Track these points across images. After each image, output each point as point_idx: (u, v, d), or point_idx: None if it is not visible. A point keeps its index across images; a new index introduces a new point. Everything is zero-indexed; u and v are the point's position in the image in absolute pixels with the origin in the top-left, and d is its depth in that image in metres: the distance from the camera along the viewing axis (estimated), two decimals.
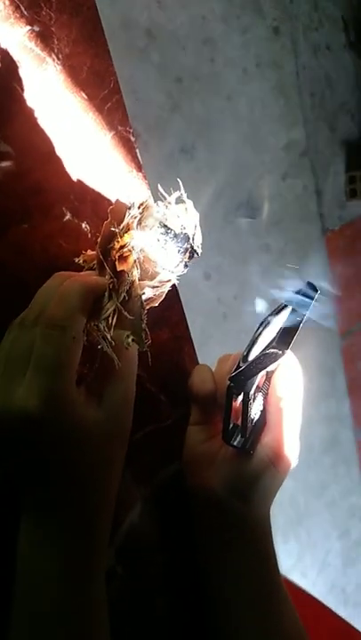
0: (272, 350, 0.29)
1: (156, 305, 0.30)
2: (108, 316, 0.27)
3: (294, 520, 1.48)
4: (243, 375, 0.31)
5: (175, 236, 0.29)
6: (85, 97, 0.34)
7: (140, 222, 0.28)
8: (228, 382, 0.33)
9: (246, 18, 1.22)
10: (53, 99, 0.33)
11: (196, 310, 1.19)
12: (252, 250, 1.28)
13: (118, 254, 0.27)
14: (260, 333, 0.35)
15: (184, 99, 1.10)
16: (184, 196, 0.30)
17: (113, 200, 0.35)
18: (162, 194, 0.31)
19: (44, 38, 0.33)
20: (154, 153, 1.07)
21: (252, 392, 0.32)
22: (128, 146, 0.36)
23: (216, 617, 0.36)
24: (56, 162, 0.33)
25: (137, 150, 0.37)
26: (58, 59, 0.33)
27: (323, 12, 1.41)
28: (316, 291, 0.31)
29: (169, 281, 0.29)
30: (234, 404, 0.34)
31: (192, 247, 0.30)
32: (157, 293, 0.29)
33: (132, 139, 0.36)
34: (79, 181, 0.34)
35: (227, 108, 1.19)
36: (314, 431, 1.48)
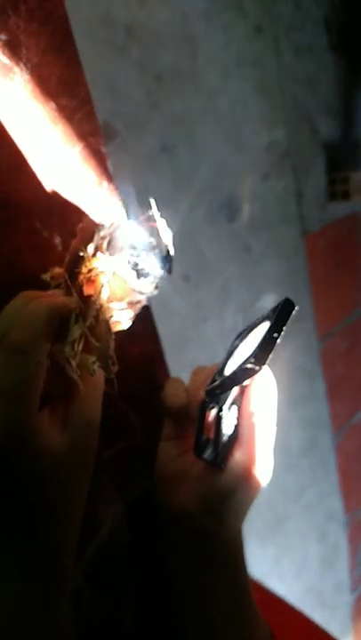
0: (249, 366, 0.29)
1: (125, 328, 0.29)
2: (74, 340, 0.26)
3: (273, 523, 1.49)
4: (218, 389, 0.31)
5: (146, 257, 0.28)
6: (55, 107, 0.33)
7: (109, 243, 0.28)
8: (203, 396, 0.33)
9: (228, 16, 1.20)
10: (21, 109, 0.32)
11: (175, 312, 1.19)
12: (232, 251, 1.28)
13: (86, 278, 0.27)
14: (236, 347, 0.35)
15: (164, 96, 1.09)
16: (157, 215, 0.30)
17: (83, 213, 0.34)
18: (134, 211, 0.30)
19: (12, 47, 0.31)
20: (133, 151, 1.05)
21: (225, 406, 0.32)
22: (99, 157, 0.35)
23: (186, 635, 0.36)
24: (25, 174, 0.32)
25: (108, 162, 0.36)
26: (26, 68, 0.32)
27: (305, 12, 1.41)
28: (294, 307, 0.31)
29: (139, 302, 0.29)
30: (207, 417, 0.34)
31: (163, 268, 0.29)
32: (127, 316, 0.29)
33: (103, 150, 0.35)
34: (48, 194, 0.33)
35: (208, 106, 1.18)
36: (292, 434, 1.50)
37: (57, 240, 0.33)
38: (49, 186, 0.33)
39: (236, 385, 0.30)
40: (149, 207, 0.30)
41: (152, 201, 0.30)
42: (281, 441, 1.37)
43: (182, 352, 1.16)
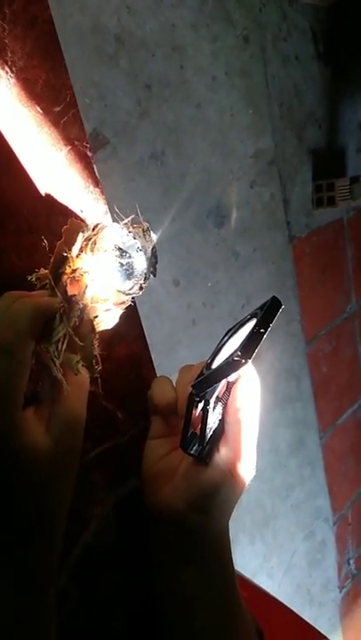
0: (235, 359, 0.29)
1: (110, 328, 0.29)
2: (59, 339, 0.26)
3: (261, 522, 1.49)
4: (205, 382, 0.32)
5: (130, 258, 0.29)
6: (40, 111, 0.34)
7: (94, 244, 0.28)
8: (191, 389, 0.33)
9: (216, 26, 1.22)
10: (7, 113, 0.32)
11: (165, 315, 1.19)
12: (220, 256, 1.29)
13: (70, 278, 0.27)
14: (224, 343, 0.35)
15: (153, 105, 1.10)
16: (141, 218, 0.30)
17: (69, 215, 0.35)
18: (118, 214, 0.31)
19: None
20: (123, 158, 1.06)
21: (212, 401, 0.33)
22: (85, 161, 0.36)
23: (173, 631, 0.36)
24: (11, 176, 0.33)
25: (94, 165, 0.36)
26: (12, 72, 0.32)
27: (291, 22, 1.43)
28: (281, 305, 0.31)
29: (123, 303, 0.29)
30: (194, 412, 0.34)
31: (148, 270, 0.29)
32: (111, 316, 0.29)
33: (89, 154, 0.36)
34: (35, 196, 0.33)
35: (196, 115, 1.19)
36: (280, 434, 1.50)
37: (43, 242, 0.34)
38: (36, 188, 0.33)
39: (224, 378, 0.31)
40: (135, 210, 0.31)
41: (137, 205, 0.30)
42: (269, 441, 1.38)
43: (172, 354, 1.16)
